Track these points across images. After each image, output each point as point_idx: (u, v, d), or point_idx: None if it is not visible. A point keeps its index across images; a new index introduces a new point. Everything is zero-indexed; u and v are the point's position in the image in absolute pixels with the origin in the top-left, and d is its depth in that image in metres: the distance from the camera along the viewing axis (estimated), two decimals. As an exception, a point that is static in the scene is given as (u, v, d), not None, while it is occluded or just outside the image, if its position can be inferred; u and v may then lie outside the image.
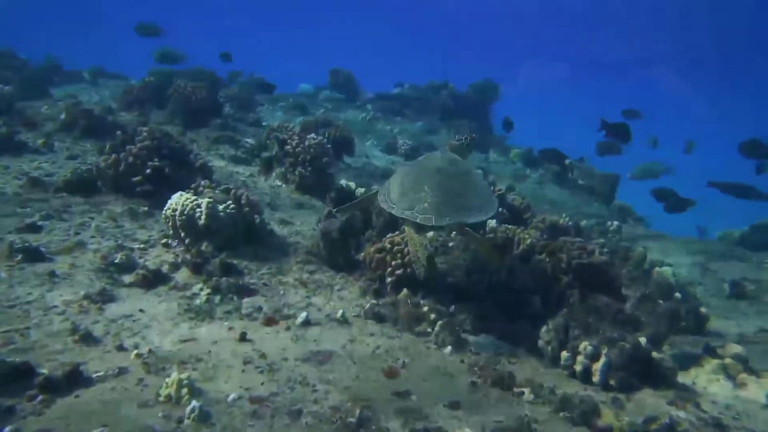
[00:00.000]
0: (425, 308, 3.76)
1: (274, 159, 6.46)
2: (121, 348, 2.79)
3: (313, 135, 6.76)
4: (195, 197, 4.01)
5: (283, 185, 6.28)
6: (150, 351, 2.77)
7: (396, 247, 4.05)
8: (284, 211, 5.57)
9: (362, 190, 5.84)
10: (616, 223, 7.20)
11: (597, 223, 7.50)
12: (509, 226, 5.03)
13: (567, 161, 8.11)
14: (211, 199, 4.03)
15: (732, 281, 5.35)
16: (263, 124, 10.32)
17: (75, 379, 2.38)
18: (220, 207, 4.06)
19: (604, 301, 3.55)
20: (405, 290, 3.91)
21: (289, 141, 6.30)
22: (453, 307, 3.93)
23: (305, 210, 5.75)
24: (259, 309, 3.53)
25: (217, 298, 3.53)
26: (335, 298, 3.98)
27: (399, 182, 3.61)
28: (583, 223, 7.87)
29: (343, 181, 5.69)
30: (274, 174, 6.40)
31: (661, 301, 3.52)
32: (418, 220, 3.28)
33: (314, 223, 5.22)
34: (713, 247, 7.49)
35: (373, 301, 3.82)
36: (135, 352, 2.75)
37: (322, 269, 4.32)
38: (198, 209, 3.94)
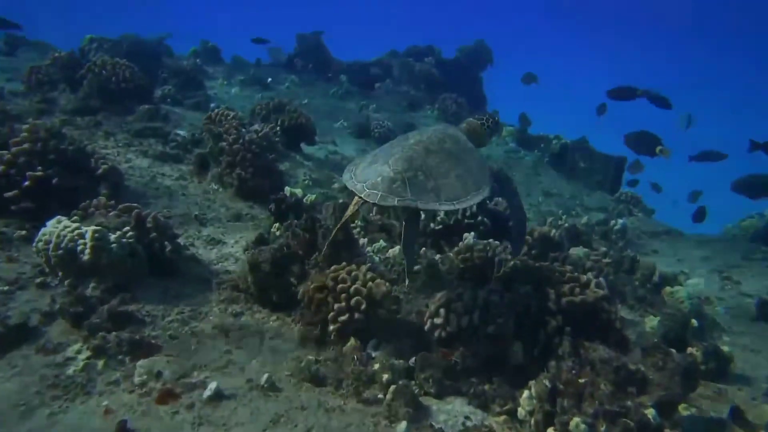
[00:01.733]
0: (377, 365, 3.22)
1: (209, 156, 5.79)
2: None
3: (256, 126, 6.09)
4: (77, 224, 3.37)
5: (220, 189, 5.63)
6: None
7: (340, 285, 3.47)
8: (216, 226, 4.95)
9: (313, 196, 5.24)
10: (620, 221, 6.69)
11: (599, 223, 6.98)
12: (490, 243, 4.49)
13: (659, 148, 7.50)
14: (99, 227, 3.40)
15: (759, 301, 4.89)
16: (211, 105, 9.57)
17: None
18: (114, 236, 3.43)
19: (602, 355, 3.02)
20: (352, 340, 3.36)
21: (225, 135, 5.63)
22: (414, 359, 3.40)
23: (243, 222, 5.13)
24: (158, 375, 2.96)
25: (100, 363, 2.95)
26: (265, 350, 3.42)
27: (374, 153, 3.32)
28: (583, 221, 7.37)
29: (287, 188, 5.06)
30: (209, 175, 5.75)
31: (673, 352, 3.03)
32: (362, 195, 2.92)
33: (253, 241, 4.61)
34: (731, 246, 7.03)
35: (310, 357, 3.27)
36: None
37: (252, 310, 3.75)
38: (81, 240, 3.31)
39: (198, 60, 13.12)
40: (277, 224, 4.81)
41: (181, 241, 4.29)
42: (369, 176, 3.02)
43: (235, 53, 14.98)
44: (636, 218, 8.27)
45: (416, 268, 4.55)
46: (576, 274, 3.54)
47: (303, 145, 8.04)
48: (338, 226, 3.38)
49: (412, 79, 15.63)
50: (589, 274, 3.70)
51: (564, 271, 3.57)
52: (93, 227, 3.36)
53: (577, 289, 3.44)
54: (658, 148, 7.63)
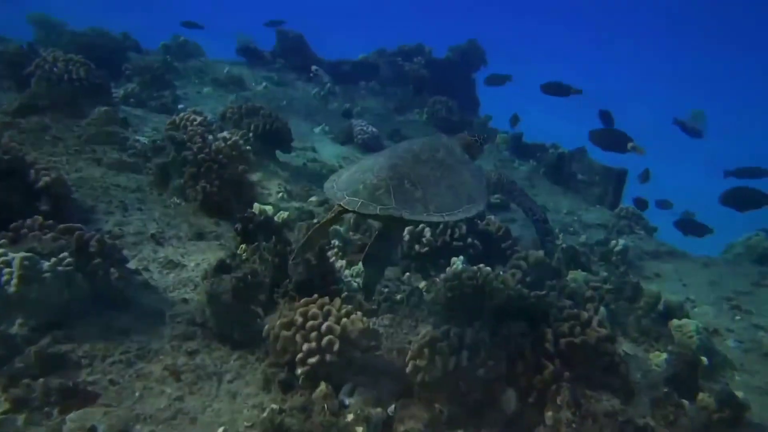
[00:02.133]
0: (350, 416, 2.99)
1: (171, 166, 5.52)
2: None
3: (225, 133, 5.84)
4: (3, 250, 3.09)
5: (183, 203, 5.36)
6: None
7: (311, 323, 3.23)
8: (175, 245, 4.68)
9: (285, 214, 5.00)
10: (621, 242, 6.55)
11: (598, 243, 6.83)
12: (481, 270, 4.29)
13: (631, 145, 7.49)
14: (30, 253, 3.12)
15: (773, 336, 4.77)
16: (179, 107, 9.29)
17: None
18: (47, 263, 3.15)
19: (606, 407, 2.83)
20: (323, 385, 3.12)
21: (189, 143, 5.36)
22: (393, 406, 3.17)
23: (207, 242, 4.87)
24: (92, 431, 2.69)
25: (21, 418, 2.67)
26: (223, 395, 3.17)
27: (361, 162, 3.29)
28: (582, 239, 7.22)
29: (256, 205, 4.81)
30: (171, 188, 5.47)
31: (686, 404, 2.85)
32: (341, 202, 2.83)
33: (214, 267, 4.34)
34: (739, 270, 6.94)
35: (274, 407, 3.01)
36: None
37: (210, 348, 3.49)
38: (6, 269, 3.03)
39: (168, 56, 12.80)
40: (243, 246, 4.56)
41: (132, 265, 4.02)
42: (351, 184, 2.92)
43: (209, 47, 14.69)
44: (637, 236, 8.15)
45: (398, 296, 4.34)
46: (576, 310, 3.35)
47: (278, 153, 7.79)
48: (309, 234, 3.23)
49: (400, 79, 15.47)
50: (591, 310, 3.50)
51: (563, 307, 3.37)
52: (22, 254, 3.09)
53: (578, 328, 3.24)
54: (630, 145, 7.59)
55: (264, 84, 13.26)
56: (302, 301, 3.42)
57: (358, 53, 16.85)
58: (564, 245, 6.15)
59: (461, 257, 4.63)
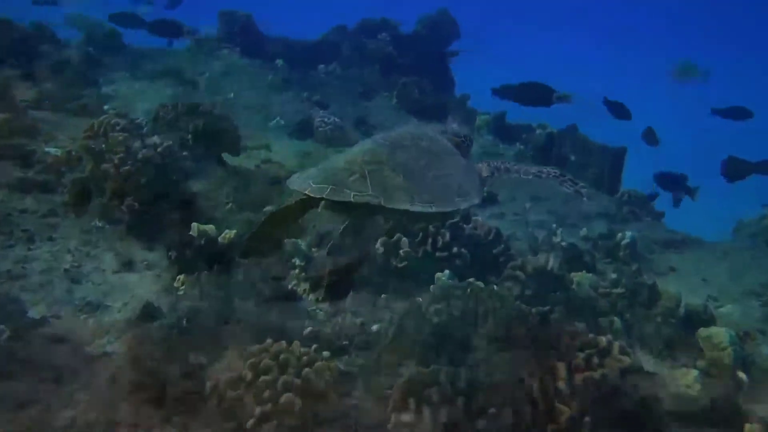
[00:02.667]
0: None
1: (90, 182, 5.00)
2: None
3: (155, 138, 5.34)
4: None
5: (106, 227, 4.86)
6: None
7: (264, 378, 2.81)
8: (97, 282, 4.20)
9: (232, 233, 4.54)
10: (628, 234, 6.26)
11: (602, 236, 6.53)
12: (472, 285, 3.93)
13: (556, 94, 7.46)
14: None
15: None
16: (105, 107, 8.68)
17: None
18: None
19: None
20: (282, 460, 2.70)
21: (108, 153, 4.86)
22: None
23: (137, 274, 4.39)
24: None
25: None
26: (156, 482, 2.72)
27: (331, 157, 3.22)
28: (583, 233, 6.92)
29: (194, 225, 4.34)
30: (91, 208, 4.96)
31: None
32: (306, 190, 2.65)
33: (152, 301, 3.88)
34: (763, 259, 6.72)
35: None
36: None
37: (138, 413, 3.02)
38: None
39: (91, 48, 12.10)
40: (181, 277, 4.11)
41: (36, 313, 3.54)
42: (319, 173, 2.74)
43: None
44: (644, 224, 7.90)
45: (375, 327, 3.95)
46: (591, 336, 2.99)
47: (226, 156, 7.29)
48: (261, 224, 3.05)
49: (364, 60, 15.01)
50: (608, 333, 3.16)
51: (575, 333, 3.01)
52: None
53: (595, 359, 2.89)
54: (555, 96, 7.55)
55: (206, 74, 12.66)
56: (253, 349, 3.00)
57: (315, 32, 16.36)
58: (564, 243, 5.85)
59: (447, 272, 4.25)
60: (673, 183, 9.20)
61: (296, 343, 3.04)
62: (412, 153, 2.88)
